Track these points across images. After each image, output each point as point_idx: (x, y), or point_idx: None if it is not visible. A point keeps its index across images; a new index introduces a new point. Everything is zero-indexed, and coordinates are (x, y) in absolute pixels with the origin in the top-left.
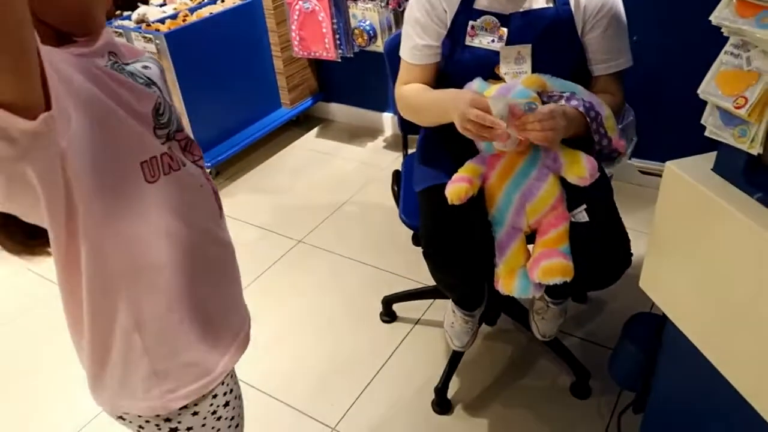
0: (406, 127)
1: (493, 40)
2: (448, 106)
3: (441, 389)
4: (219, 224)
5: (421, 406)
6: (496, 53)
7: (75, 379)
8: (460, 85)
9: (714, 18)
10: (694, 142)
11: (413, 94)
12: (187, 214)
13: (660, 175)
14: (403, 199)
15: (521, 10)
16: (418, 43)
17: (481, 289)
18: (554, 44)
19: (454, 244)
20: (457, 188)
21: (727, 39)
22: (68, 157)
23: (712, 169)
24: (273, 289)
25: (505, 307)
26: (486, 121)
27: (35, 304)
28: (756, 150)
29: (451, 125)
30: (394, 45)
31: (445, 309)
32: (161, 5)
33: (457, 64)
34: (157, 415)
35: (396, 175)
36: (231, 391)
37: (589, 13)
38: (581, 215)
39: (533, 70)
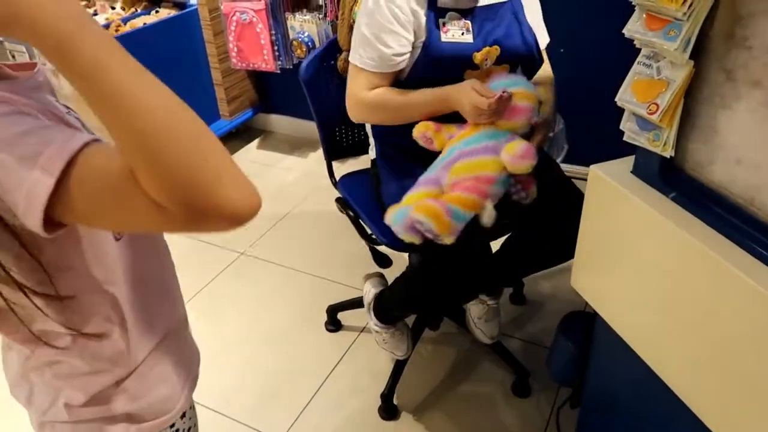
0: (330, 152)
1: (462, 33)
2: (451, 96)
3: (387, 395)
4: (166, 249)
5: (368, 413)
6: (469, 45)
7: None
8: (442, 81)
9: (626, 31)
10: (621, 147)
11: (391, 95)
12: (147, 252)
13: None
14: (372, 221)
15: (483, 3)
16: (385, 52)
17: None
18: (513, 33)
19: (449, 267)
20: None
21: (640, 50)
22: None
23: (631, 172)
24: (216, 302)
25: (447, 311)
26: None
27: None
28: (668, 153)
29: (407, 132)
30: None
31: None
32: (92, 15)
33: (436, 61)
34: None
35: (341, 202)
36: (190, 418)
37: None
38: (488, 213)
39: (501, 59)
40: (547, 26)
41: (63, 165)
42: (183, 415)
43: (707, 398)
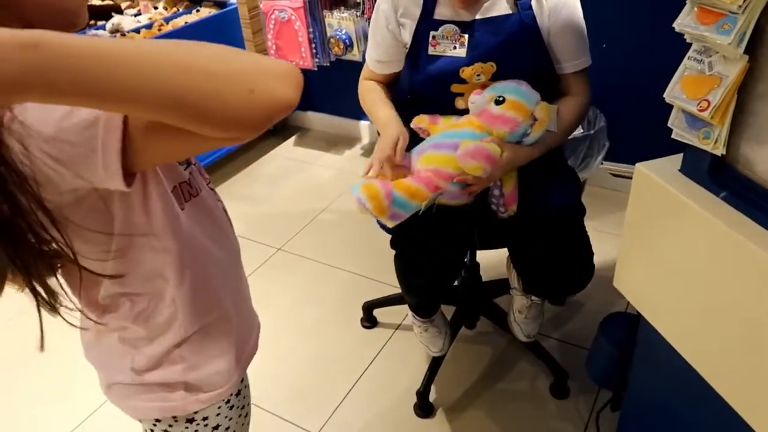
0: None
1: (455, 47)
2: (383, 133)
3: (423, 393)
4: (231, 240)
5: (404, 410)
6: (459, 59)
7: (70, 378)
8: (427, 94)
9: (677, 25)
10: (665, 145)
11: (366, 91)
12: (211, 235)
13: (631, 177)
14: None
15: (482, 17)
16: (372, 56)
17: (439, 296)
18: (518, 49)
19: (426, 249)
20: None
21: (690, 44)
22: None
23: (679, 170)
24: (253, 297)
25: (484, 310)
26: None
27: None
28: (720, 151)
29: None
30: None
31: None
32: (136, 15)
33: (422, 73)
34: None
35: None
36: (245, 396)
37: (546, 13)
38: (426, 204)
39: (499, 76)
40: (588, 19)
41: (121, 117)
42: (238, 393)
43: (763, 409)
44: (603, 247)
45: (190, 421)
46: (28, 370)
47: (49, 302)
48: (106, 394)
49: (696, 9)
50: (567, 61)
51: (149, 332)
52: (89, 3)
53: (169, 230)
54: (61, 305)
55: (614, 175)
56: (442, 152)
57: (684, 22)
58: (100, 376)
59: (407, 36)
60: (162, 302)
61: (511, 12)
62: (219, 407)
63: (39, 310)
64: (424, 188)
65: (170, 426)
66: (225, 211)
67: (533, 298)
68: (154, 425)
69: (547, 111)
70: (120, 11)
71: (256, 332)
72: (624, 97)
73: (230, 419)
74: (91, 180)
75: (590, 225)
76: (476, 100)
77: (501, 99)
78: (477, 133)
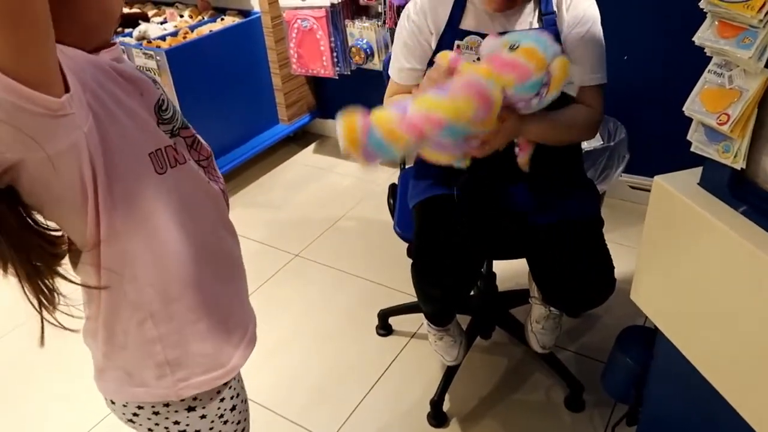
0: None
1: (478, 58)
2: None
3: (437, 402)
4: (226, 222)
5: (417, 420)
6: None
7: (76, 385)
8: None
9: (697, 39)
10: (686, 157)
11: (394, 101)
12: (195, 207)
13: (649, 190)
14: (398, 211)
15: (508, 30)
16: (404, 65)
17: (455, 305)
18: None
19: (443, 258)
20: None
21: (710, 58)
22: (90, 143)
23: (698, 184)
24: (270, 302)
25: (500, 320)
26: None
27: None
28: (739, 165)
29: None
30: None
31: None
32: (162, 23)
33: None
34: (166, 405)
35: (392, 188)
36: (237, 395)
37: (566, 24)
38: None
39: None
40: (609, 31)
41: None
42: (234, 377)
43: None
44: (622, 261)
45: (190, 409)
46: (37, 375)
47: (48, 299)
48: (97, 382)
49: (716, 23)
50: (581, 74)
51: (126, 309)
52: None
53: (131, 193)
54: (59, 303)
55: (633, 188)
56: (433, 94)
57: (704, 36)
58: (93, 356)
59: (434, 43)
60: (126, 273)
61: (536, 26)
62: (212, 421)
63: (40, 309)
64: (405, 132)
65: (166, 416)
66: (224, 191)
67: (552, 309)
68: (149, 419)
69: (565, 67)
70: (147, 19)
71: (249, 323)
72: (644, 109)
73: (226, 414)
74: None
75: (609, 237)
76: (489, 44)
77: (516, 45)
78: (482, 79)
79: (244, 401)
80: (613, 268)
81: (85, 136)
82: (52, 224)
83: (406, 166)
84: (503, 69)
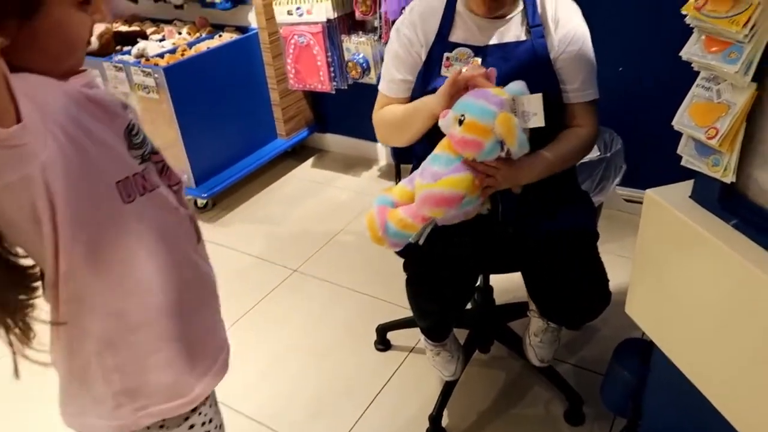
0: (398, 156)
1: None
2: (429, 100)
3: (435, 417)
4: (196, 249)
5: None
6: None
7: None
8: None
9: (684, 54)
10: (681, 169)
11: (391, 111)
12: (163, 235)
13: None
14: None
15: (496, 42)
16: (396, 76)
17: (452, 320)
18: (529, 76)
19: (438, 274)
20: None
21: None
22: (48, 175)
23: (690, 197)
24: (269, 317)
25: (497, 334)
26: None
27: None
28: (729, 178)
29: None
30: None
31: None
32: (160, 40)
33: (431, 93)
34: None
35: None
36: (210, 420)
37: (557, 42)
38: (420, 234)
39: None
40: (604, 44)
41: None
42: (205, 403)
43: None
44: (621, 272)
45: None
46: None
47: (21, 336)
48: (61, 413)
49: (703, 38)
50: (574, 91)
51: (77, 336)
52: (117, 30)
53: (90, 222)
54: (34, 335)
55: (627, 201)
56: (425, 183)
57: (691, 51)
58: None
59: (424, 55)
60: (82, 303)
61: (524, 39)
62: (179, 425)
63: (10, 342)
64: (411, 219)
65: None
66: (193, 220)
67: (550, 322)
68: None
69: (509, 124)
70: (145, 37)
71: (221, 351)
72: (640, 120)
73: None
74: None
75: (608, 249)
76: (443, 122)
77: (462, 118)
78: (452, 158)
79: (219, 426)
80: (608, 281)
81: (42, 168)
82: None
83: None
84: (461, 147)
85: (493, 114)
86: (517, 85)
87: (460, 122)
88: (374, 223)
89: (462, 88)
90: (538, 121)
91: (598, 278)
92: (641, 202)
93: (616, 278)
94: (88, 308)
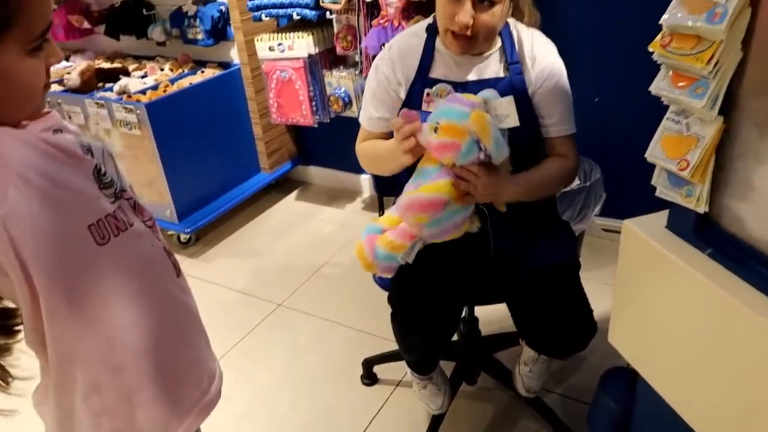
0: (381, 188)
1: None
2: (394, 147)
3: None
4: (176, 283)
5: None
6: None
7: None
8: None
9: (653, 88)
10: (658, 199)
11: (372, 146)
12: (141, 272)
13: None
14: None
15: (475, 78)
16: (373, 114)
17: (438, 352)
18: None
19: (423, 306)
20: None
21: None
22: (11, 228)
23: (665, 227)
24: (254, 353)
25: (484, 365)
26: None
27: None
28: (702, 209)
29: None
30: None
31: None
32: (143, 77)
33: None
34: None
35: None
36: None
37: (534, 78)
38: (408, 253)
39: None
40: (580, 74)
41: None
42: None
43: None
44: (606, 300)
45: None
46: None
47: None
48: None
49: (670, 73)
50: (552, 125)
51: (63, 380)
52: (99, 67)
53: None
54: (12, 379)
55: (606, 230)
56: (407, 191)
57: (660, 86)
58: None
59: (403, 93)
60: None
61: (503, 75)
62: None
63: None
64: (400, 240)
65: None
66: (168, 252)
67: (540, 354)
68: None
69: (482, 121)
70: (127, 73)
71: (210, 382)
72: (617, 151)
73: None
74: None
75: (591, 276)
76: (421, 137)
77: (437, 125)
78: (433, 168)
79: None
80: (591, 311)
81: (1, 223)
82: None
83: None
84: (440, 153)
85: (467, 114)
86: (488, 92)
87: (435, 130)
88: (363, 251)
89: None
90: (511, 121)
91: (583, 309)
92: (619, 232)
93: (601, 306)
94: (72, 353)
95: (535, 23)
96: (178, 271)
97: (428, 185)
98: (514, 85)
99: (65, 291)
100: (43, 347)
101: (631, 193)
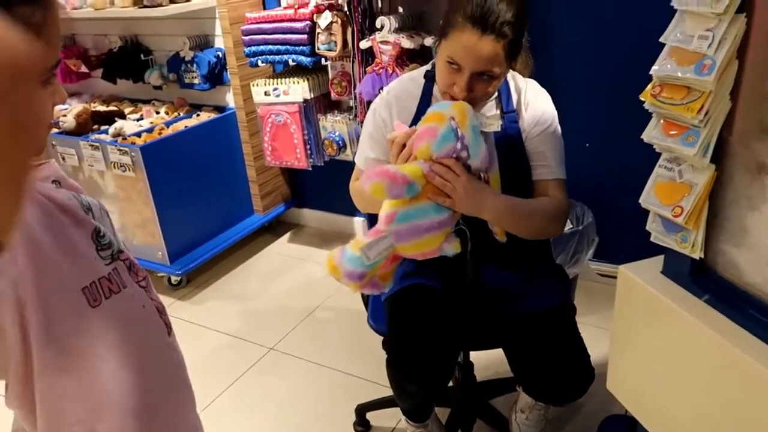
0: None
1: None
2: None
3: None
4: (167, 343)
5: None
6: None
7: None
8: None
9: (645, 137)
10: (652, 244)
11: (360, 186)
12: (137, 331)
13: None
14: (372, 304)
15: None
16: (369, 155)
17: (432, 400)
18: (505, 157)
19: (419, 354)
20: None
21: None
22: (20, 290)
23: (661, 272)
24: (244, 398)
25: (480, 412)
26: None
27: None
28: (697, 254)
29: None
30: None
31: None
32: (138, 119)
33: None
34: None
35: None
36: None
37: (527, 123)
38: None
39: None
40: (571, 118)
41: None
42: None
43: None
44: (602, 345)
45: None
46: None
47: None
48: None
49: (662, 122)
50: (542, 169)
51: None
52: (95, 109)
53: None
54: None
55: (601, 275)
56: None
57: (652, 134)
58: None
59: None
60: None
61: (499, 122)
62: None
63: None
64: (367, 238)
65: None
66: (160, 311)
67: (537, 401)
68: None
69: (462, 107)
70: (123, 116)
71: None
72: (609, 194)
73: None
74: None
75: (588, 321)
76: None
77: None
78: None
79: None
80: (589, 357)
81: (13, 284)
82: None
83: None
84: (417, 143)
85: (449, 105)
86: None
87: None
88: (332, 254)
89: (402, 144)
90: (495, 126)
91: (580, 355)
92: (614, 277)
93: (598, 351)
94: (61, 408)
95: (529, 69)
96: (169, 330)
97: (397, 166)
98: (509, 132)
99: (57, 348)
100: (32, 404)
101: (624, 237)
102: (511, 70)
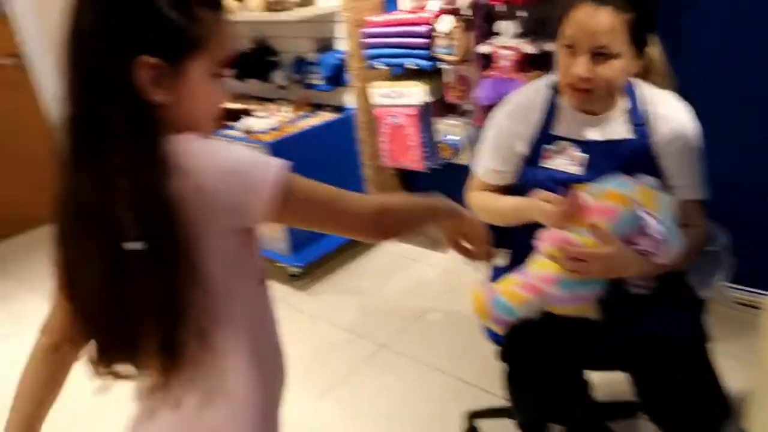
0: (494, 240)
1: (570, 164)
2: (523, 208)
3: None
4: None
5: None
6: (571, 175)
7: None
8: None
9: None
10: None
11: (488, 200)
12: (269, 319)
13: (758, 308)
14: None
15: (599, 138)
16: (489, 166)
17: (550, 417)
18: (636, 174)
19: (537, 366)
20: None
21: None
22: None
23: None
24: (354, 393)
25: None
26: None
27: None
28: None
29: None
30: None
31: None
32: (264, 117)
33: (531, 183)
34: None
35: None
36: None
37: (661, 138)
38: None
39: None
40: (710, 117)
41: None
42: None
43: None
44: (735, 377)
45: None
46: None
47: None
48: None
49: None
50: (680, 188)
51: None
52: (226, 106)
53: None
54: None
55: (740, 304)
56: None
57: None
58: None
59: (520, 147)
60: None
61: (629, 137)
62: None
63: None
64: (525, 292)
65: None
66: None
67: None
68: None
69: (649, 194)
70: (249, 114)
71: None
72: (752, 215)
73: None
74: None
75: (719, 349)
76: (584, 196)
77: (599, 194)
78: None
79: None
80: (724, 391)
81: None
82: None
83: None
84: (591, 215)
85: (632, 185)
86: (650, 179)
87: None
88: (481, 296)
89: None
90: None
91: (712, 386)
92: (755, 307)
93: (730, 384)
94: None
95: (668, 80)
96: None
97: (580, 237)
98: (640, 147)
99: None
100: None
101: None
102: (639, 80)
